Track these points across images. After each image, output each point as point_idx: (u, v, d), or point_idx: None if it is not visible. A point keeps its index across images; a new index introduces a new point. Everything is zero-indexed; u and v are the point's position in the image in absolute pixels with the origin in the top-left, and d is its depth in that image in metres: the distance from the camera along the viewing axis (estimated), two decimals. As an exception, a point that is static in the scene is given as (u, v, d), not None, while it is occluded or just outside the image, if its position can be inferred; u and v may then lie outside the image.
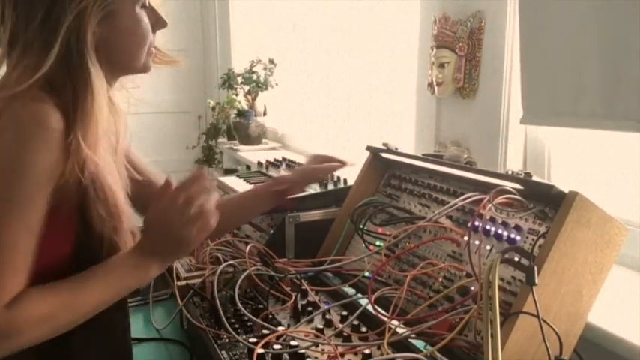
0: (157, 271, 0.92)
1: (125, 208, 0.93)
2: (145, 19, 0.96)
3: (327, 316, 1.09)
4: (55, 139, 0.82)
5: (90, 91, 0.86)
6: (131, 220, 0.96)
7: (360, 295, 1.17)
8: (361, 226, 1.26)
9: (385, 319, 1.00)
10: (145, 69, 1.01)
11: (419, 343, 0.97)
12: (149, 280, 0.94)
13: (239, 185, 1.73)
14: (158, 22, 1.00)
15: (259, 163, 2.00)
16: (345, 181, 1.54)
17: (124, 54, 0.96)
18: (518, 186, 0.99)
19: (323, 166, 1.38)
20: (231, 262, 1.21)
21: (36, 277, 0.85)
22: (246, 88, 3.01)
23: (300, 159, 1.85)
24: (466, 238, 1.05)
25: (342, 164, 1.37)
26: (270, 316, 1.11)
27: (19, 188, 0.80)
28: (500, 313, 0.79)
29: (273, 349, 0.94)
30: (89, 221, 0.88)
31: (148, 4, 0.97)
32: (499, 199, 0.98)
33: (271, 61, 2.98)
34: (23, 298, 0.81)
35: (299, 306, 1.13)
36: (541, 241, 0.91)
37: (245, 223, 1.54)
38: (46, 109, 0.82)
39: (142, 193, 1.08)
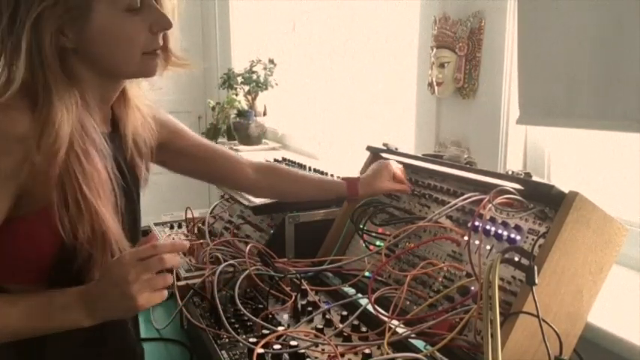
0: (84, 320, 0.86)
1: (106, 220, 0.90)
2: (130, 22, 0.91)
3: (327, 316, 1.09)
4: (17, 144, 0.83)
5: (47, 97, 0.86)
6: (116, 234, 0.92)
7: (360, 295, 1.17)
8: (361, 226, 1.26)
9: (385, 319, 1.00)
10: (142, 73, 0.98)
11: (419, 343, 0.97)
12: (72, 326, 0.86)
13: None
14: (157, 23, 0.94)
15: (259, 164, 2.00)
16: (345, 181, 1.54)
17: (108, 59, 0.93)
18: (518, 186, 0.99)
19: (393, 188, 1.30)
20: (231, 262, 1.21)
21: (12, 271, 0.88)
22: (246, 88, 3.01)
23: (301, 159, 1.85)
24: (466, 238, 1.05)
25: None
26: (270, 316, 1.11)
27: None
28: (501, 313, 0.79)
29: (273, 349, 0.94)
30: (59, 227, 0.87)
31: (139, 5, 0.92)
32: (499, 199, 0.98)
33: (271, 61, 2.98)
34: None
35: (299, 306, 1.13)
36: (541, 241, 0.91)
37: (302, 199, 1.46)
38: (10, 115, 0.83)
39: (209, 164, 1.21)
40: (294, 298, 1.14)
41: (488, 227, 1.03)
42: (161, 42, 0.97)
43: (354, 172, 1.44)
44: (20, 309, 0.84)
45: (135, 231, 1.06)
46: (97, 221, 0.89)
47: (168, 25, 0.95)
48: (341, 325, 1.04)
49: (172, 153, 1.23)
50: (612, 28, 1.00)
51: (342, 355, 0.95)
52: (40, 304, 0.86)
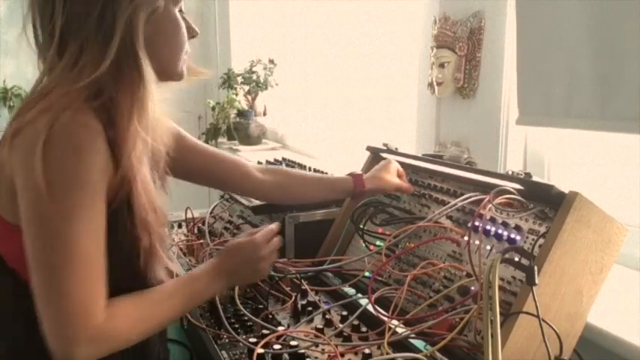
0: (222, 290, 1.05)
1: (157, 220, 0.92)
2: (182, 23, 0.96)
3: (327, 316, 1.09)
4: (102, 143, 0.82)
5: (143, 87, 0.86)
6: (164, 234, 0.97)
7: (360, 295, 1.17)
8: (361, 226, 1.26)
9: (385, 319, 1.00)
10: (181, 76, 0.99)
11: (419, 343, 0.97)
12: (214, 295, 1.05)
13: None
14: (191, 30, 0.99)
15: (259, 163, 2.00)
16: (345, 181, 1.54)
17: (166, 57, 0.95)
18: (518, 186, 0.99)
19: (396, 186, 1.28)
20: (231, 262, 1.21)
21: None
22: (246, 88, 3.01)
23: (301, 159, 1.85)
24: (466, 238, 1.05)
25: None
26: (270, 316, 1.12)
27: (81, 203, 0.81)
28: (501, 313, 0.79)
29: (273, 349, 0.95)
30: (117, 227, 0.88)
31: (182, 11, 0.96)
32: (499, 199, 0.98)
33: (271, 61, 2.97)
34: (117, 305, 0.84)
35: (299, 306, 1.13)
36: (541, 241, 0.91)
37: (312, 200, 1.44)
38: (91, 116, 0.82)
39: (214, 169, 1.23)
40: (294, 298, 1.15)
41: (488, 227, 1.03)
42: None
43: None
44: (180, 289, 0.94)
45: None
46: (154, 204, 0.92)
47: (197, 32, 1.00)
48: (341, 325, 1.04)
49: (176, 160, 1.20)
50: (611, 30, 1.01)
51: (342, 355, 0.95)
52: (194, 281, 0.97)
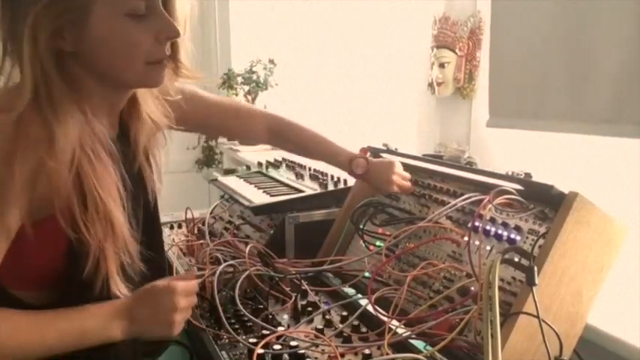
0: (119, 337, 0.90)
1: (118, 221, 0.90)
2: (132, 29, 0.87)
3: (327, 317, 1.09)
4: (31, 151, 0.82)
5: (51, 102, 0.84)
6: (128, 244, 0.93)
7: (360, 295, 1.17)
8: (361, 226, 1.26)
9: (385, 319, 1.00)
10: (145, 83, 0.95)
11: (419, 344, 0.97)
12: (109, 340, 0.90)
13: (239, 185, 1.73)
14: (163, 32, 0.89)
15: (259, 163, 2.00)
16: (345, 181, 1.54)
17: (108, 66, 0.89)
18: (518, 186, 0.99)
19: (399, 185, 1.27)
20: (231, 262, 1.21)
21: (22, 278, 0.87)
22: (246, 88, 3.01)
23: (301, 159, 1.85)
24: (466, 238, 1.05)
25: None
26: (270, 316, 1.11)
27: None
28: (501, 314, 0.79)
29: (273, 349, 0.94)
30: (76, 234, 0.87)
31: (143, 11, 0.87)
32: (499, 200, 0.98)
33: (271, 61, 2.97)
34: None
35: (299, 306, 1.13)
36: (541, 241, 0.91)
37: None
38: (22, 123, 0.82)
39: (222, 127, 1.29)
40: (294, 298, 1.14)
41: (488, 228, 1.03)
42: (168, 52, 0.92)
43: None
44: (61, 321, 0.86)
45: (148, 234, 1.04)
46: (111, 222, 0.89)
47: (175, 33, 0.90)
48: (341, 326, 1.04)
49: (186, 115, 1.17)
50: (582, 31, 1.01)
51: (342, 355, 0.95)
52: (80, 316, 0.88)
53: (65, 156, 0.84)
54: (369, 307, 1.04)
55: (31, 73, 0.83)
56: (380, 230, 1.26)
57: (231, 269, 1.20)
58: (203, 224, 1.59)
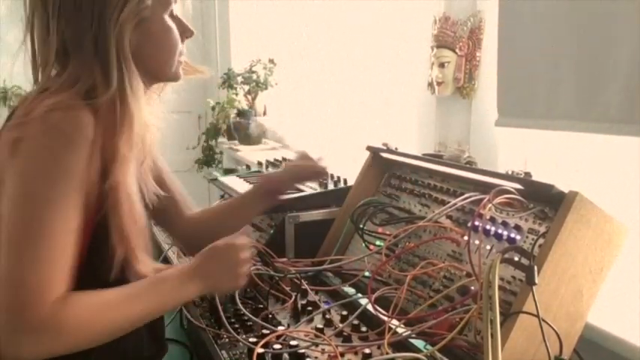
0: (196, 294, 0.97)
1: (142, 226, 0.95)
2: (174, 27, 0.99)
3: (327, 316, 1.09)
4: (88, 146, 0.85)
5: (126, 99, 0.89)
6: (146, 240, 0.97)
7: (360, 295, 1.17)
8: (361, 226, 1.26)
9: (385, 318, 1.00)
10: (176, 77, 1.03)
11: (419, 343, 0.97)
12: (187, 300, 0.98)
13: (239, 185, 1.73)
14: (185, 31, 1.02)
15: (259, 163, 2.00)
16: (345, 180, 1.54)
17: (156, 61, 0.98)
18: (518, 186, 0.99)
19: (309, 167, 1.35)
20: (231, 261, 1.21)
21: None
22: (246, 88, 3.01)
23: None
24: (466, 237, 1.05)
25: (323, 172, 1.37)
26: (270, 316, 1.11)
27: (59, 190, 0.83)
28: (501, 313, 0.79)
29: (273, 349, 0.95)
30: (104, 233, 0.89)
31: (175, 14, 1.00)
32: (499, 199, 0.98)
33: (271, 61, 2.97)
34: (70, 299, 0.82)
35: (299, 306, 1.13)
36: (541, 240, 0.91)
37: (244, 226, 1.48)
38: (82, 115, 0.85)
39: (164, 207, 1.14)
40: (294, 297, 1.15)
41: (488, 227, 1.03)
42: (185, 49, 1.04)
43: (354, 172, 1.44)
44: (144, 292, 0.90)
45: None
46: (135, 224, 0.92)
47: (191, 33, 1.04)
48: (341, 325, 1.04)
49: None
50: (593, 30, 1.00)
51: (342, 355, 0.95)
52: (161, 283, 0.92)
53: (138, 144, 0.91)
54: (369, 307, 1.04)
55: (116, 66, 0.89)
56: (380, 230, 1.26)
57: (231, 269, 1.20)
58: (203, 224, 1.59)
